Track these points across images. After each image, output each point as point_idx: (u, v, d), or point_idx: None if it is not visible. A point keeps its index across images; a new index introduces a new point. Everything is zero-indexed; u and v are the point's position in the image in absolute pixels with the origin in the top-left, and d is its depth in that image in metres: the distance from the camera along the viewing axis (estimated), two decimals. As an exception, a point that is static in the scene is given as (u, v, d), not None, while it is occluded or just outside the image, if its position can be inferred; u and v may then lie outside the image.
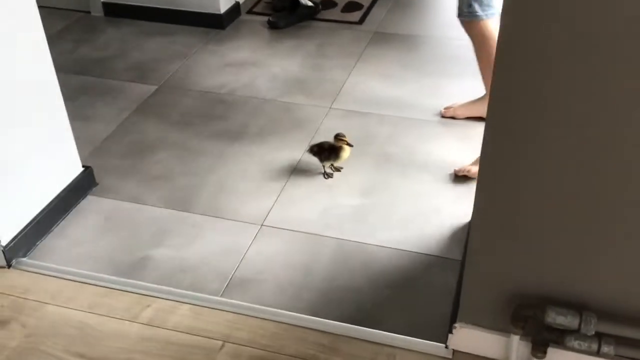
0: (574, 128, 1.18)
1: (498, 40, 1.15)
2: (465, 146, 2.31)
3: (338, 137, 2.18)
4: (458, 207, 2.05)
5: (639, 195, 1.21)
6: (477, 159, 2.17)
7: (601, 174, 1.22)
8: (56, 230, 2.01)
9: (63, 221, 2.04)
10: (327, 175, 2.20)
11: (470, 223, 1.90)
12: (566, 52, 1.11)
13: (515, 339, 1.44)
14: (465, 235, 1.93)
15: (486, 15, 2.17)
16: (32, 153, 1.91)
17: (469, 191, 2.09)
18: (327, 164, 2.20)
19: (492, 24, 2.18)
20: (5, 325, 1.68)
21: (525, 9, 1.09)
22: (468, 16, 2.19)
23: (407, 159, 2.28)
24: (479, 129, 2.34)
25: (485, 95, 2.39)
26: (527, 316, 1.39)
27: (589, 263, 1.32)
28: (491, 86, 1.19)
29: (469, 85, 2.69)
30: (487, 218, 1.36)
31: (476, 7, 2.15)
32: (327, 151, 2.18)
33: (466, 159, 2.24)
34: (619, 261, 1.30)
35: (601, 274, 1.33)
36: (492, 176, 1.30)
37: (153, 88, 2.76)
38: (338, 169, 2.22)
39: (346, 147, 2.17)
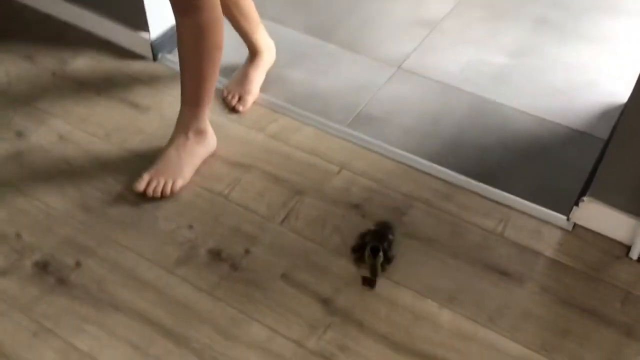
0: None
1: None
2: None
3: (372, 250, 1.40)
4: (617, 85, 1.86)
5: None
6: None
7: None
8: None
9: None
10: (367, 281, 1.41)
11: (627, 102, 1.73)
12: None
13: (648, 223, 1.33)
14: (618, 115, 1.76)
15: None
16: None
17: (633, 69, 1.88)
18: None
19: None
20: (146, 111, 1.78)
21: None
22: None
23: (569, 26, 2.07)
24: None
25: (257, 56, 1.84)
26: (668, 201, 1.27)
27: None
28: None
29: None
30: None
31: None
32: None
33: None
34: None
35: None
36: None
37: None
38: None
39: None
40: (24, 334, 1.31)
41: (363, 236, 1.43)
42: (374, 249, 1.39)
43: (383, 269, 1.40)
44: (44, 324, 1.32)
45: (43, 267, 1.42)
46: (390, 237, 1.44)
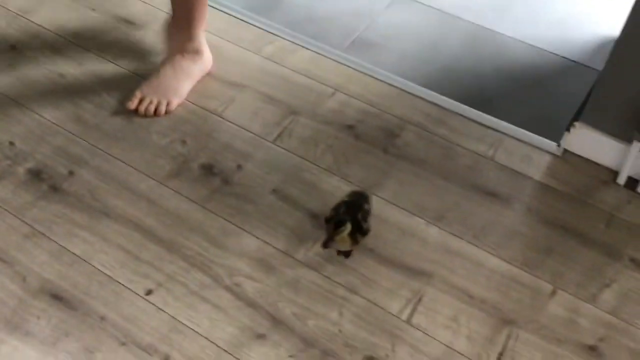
0: None
1: None
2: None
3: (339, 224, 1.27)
4: (615, 18, 1.83)
5: None
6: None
7: None
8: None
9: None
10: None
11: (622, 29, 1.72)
12: None
13: (637, 147, 1.34)
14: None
15: None
16: None
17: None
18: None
19: None
20: (141, 28, 1.76)
21: None
22: None
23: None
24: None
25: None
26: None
27: None
28: None
29: None
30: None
31: None
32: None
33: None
34: None
35: None
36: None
37: None
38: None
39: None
40: (16, 236, 1.33)
41: (337, 207, 1.31)
42: (338, 222, 1.25)
43: (357, 240, 1.28)
44: (36, 227, 1.34)
45: (36, 174, 1.43)
46: (366, 206, 1.32)
